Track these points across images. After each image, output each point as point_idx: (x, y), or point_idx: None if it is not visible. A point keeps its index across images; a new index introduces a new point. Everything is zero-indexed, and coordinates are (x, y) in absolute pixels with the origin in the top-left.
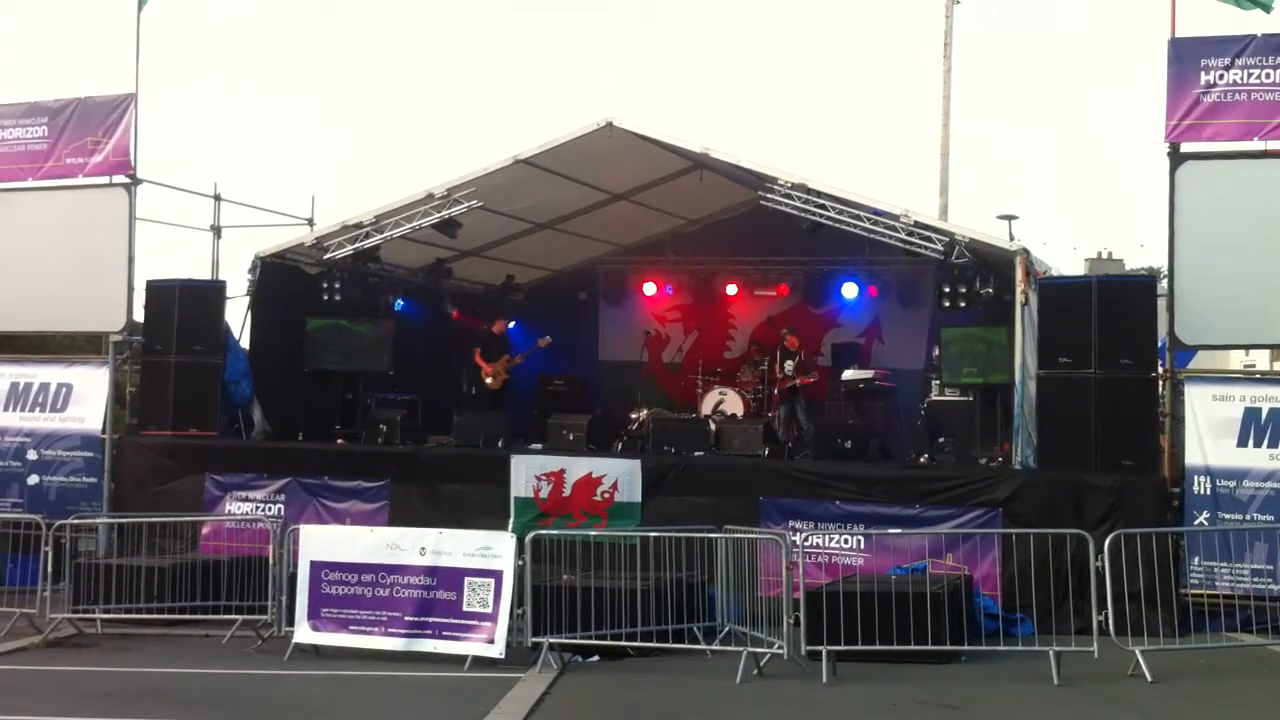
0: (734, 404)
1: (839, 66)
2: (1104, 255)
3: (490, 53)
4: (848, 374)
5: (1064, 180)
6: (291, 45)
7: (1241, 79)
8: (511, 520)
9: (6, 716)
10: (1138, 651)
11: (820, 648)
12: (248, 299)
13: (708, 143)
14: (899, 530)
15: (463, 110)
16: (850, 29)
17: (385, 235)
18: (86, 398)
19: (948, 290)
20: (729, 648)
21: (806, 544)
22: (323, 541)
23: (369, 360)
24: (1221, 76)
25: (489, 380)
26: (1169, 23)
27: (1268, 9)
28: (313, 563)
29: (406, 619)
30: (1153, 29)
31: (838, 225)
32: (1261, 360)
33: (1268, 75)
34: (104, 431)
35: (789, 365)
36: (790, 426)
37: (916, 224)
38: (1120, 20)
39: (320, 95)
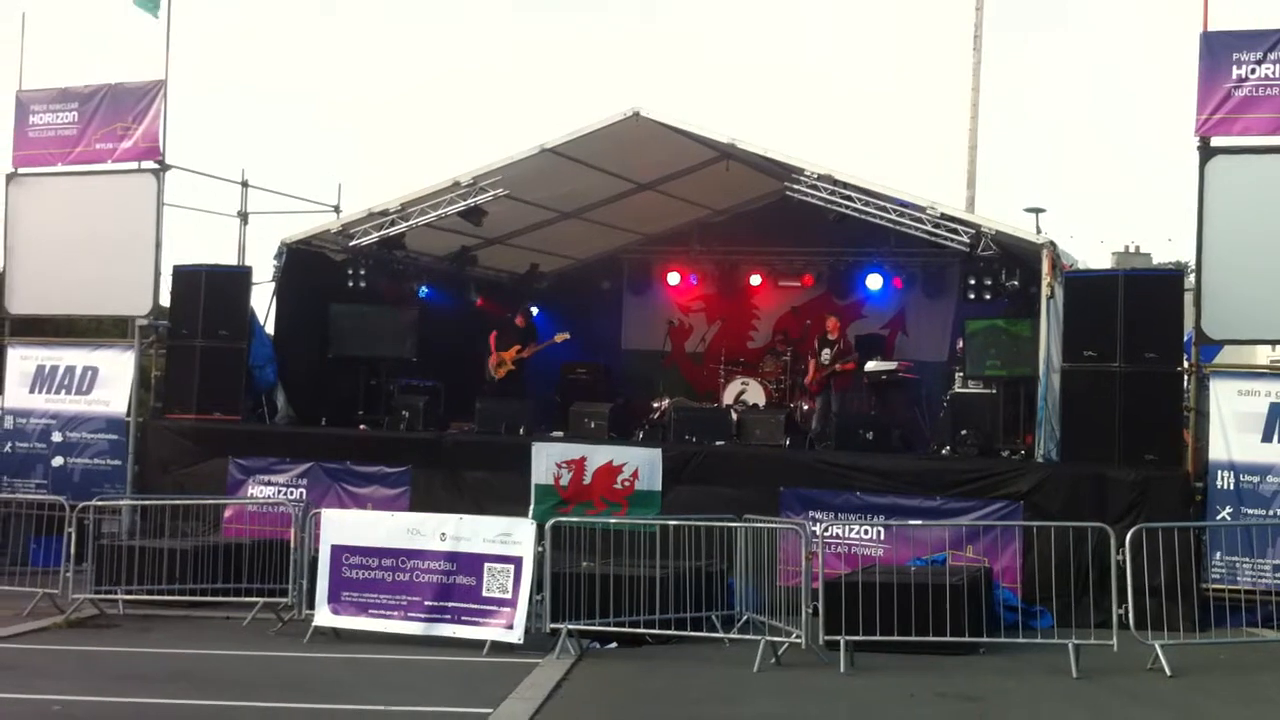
0: (756, 394)
1: (859, 64)
2: (1131, 249)
3: (491, 51)
4: (871, 365)
5: (1092, 174)
6: (319, 35)
7: (1273, 73)
8: (532, 507)
9: (29, 695)
10: (1157, 645)
11: (839, 638)
12: (273, 285)
13: (734, 133)
14: (919, 521)
15: (476, 106)
16: (869, 25)
17: (411, 223)
18: (112, 381)
19: (973, 282)
20: (747, 636)
21: (826, 534)
22: (344, 526)
23: (393, 347)
24: (1253, 71)
25: (493, 368)
26: (1201, 16)
27: None
28: (334, 546)
29: (426, 603)
30: (1184, 22)
31: (863, 216)
32: None
33: None
34: (128, 414)
35: (826, 354)
36: (826, 419)
37: (943, 216)
38: (1151, 12)
39: (347, 84)
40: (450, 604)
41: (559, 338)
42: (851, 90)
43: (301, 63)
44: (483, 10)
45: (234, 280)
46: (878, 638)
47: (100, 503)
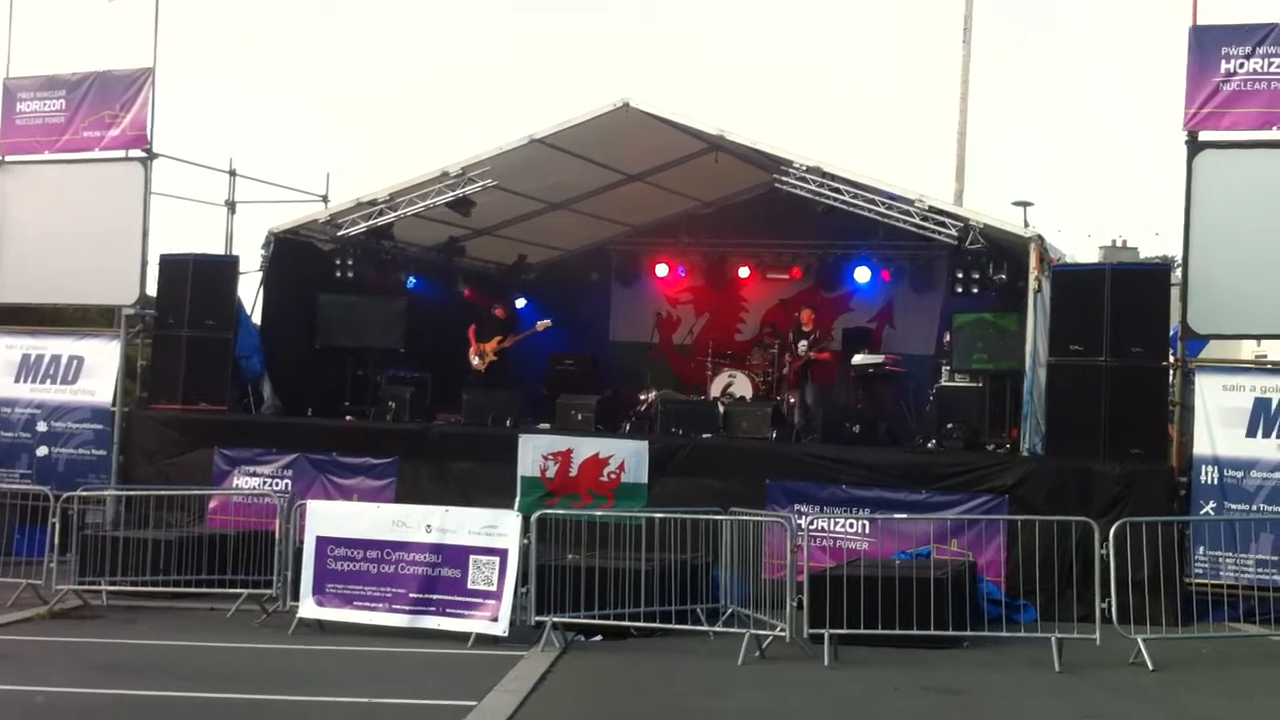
0: (743, 386)
1: (848, 59)
2: (1118, 243)
3: (491, 50)
4: (858, 358)
5: (1080, 167)
6: (308, 23)
7: (1262, 68)
8: (518, 499)
9: (12, 686)
10: (1140, 640)
11: (823, 631)
12: (260, 274)
13: (723, 125)
14: (905, 515)
15: (476, 106)
16: (859, 20)
17: (399, 213)
18: (97, 370)
19: (961, 276)
20: (732, 629)
21: (812, 527)
22: (329, 517)
23: (380, 337)
24: (1241, 65)
25: (475, 360)
26: (1190, 10)
27: None
28: (319, 538)
29: (411, 596)
30: (1173, 16)
31: (852, 209)
32: (1273, 350)
33: None
34: (114, 404)
35: (802, 345)
36: (806, 410)
37: (931, 209)
38: (1141, 6)
39: (346, 83)
40: (435, 596)
41: (540, 326)
42: (844, 83)
43: (295, 57)
44: (482, 10)
45: (221, 270)
46: (862, 631)
47: (85, 493)
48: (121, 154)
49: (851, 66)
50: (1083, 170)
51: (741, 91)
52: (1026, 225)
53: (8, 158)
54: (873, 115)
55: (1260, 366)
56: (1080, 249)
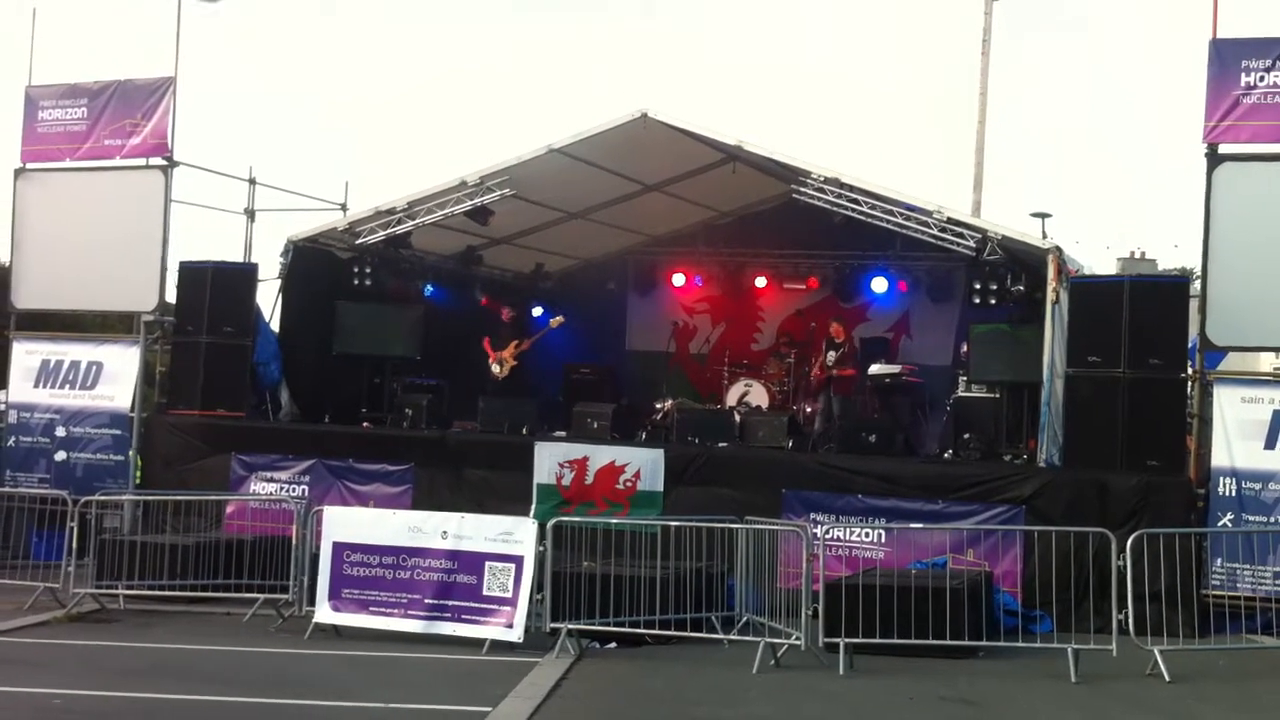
0: (759, 396)
1: (864, 65)
2: (1137, 255)
3: (491, 50)
4: (875, 368)
5: (1099, 179)
6: (319, 35)
7: None
8: (534, 506)
9: (29, 689)
10: (1156, 651)
11: (838, 640)
12: (279, 282)
13: (741, 135)
14: (921, 525)
15: (477, 105)
16: (875, 25)
17: (418, 222)
18: (116, 376)
19: (978, 287)
20: (747, 638)
21: (828, 537)
22: (346, 523)
23: (397, 345)
24: (1262, 78)
25: (494, 368)
26: (1210, 22)
27: None
28: (335, 544)
29: (427, 602)
30: (1193, 27)
31: (870, 220)
32: None
33: None
34: (132, 410)
35: (831, 355)
36: (828, 419)
37: (949, 220)
38: (1160, 18)
39: (347, 84)
40: (451, 602)
41: (554, 323)
42: (857, 92)
43: (302, 62)
44: (482, 10)
45: (240, 277)
46: (877, 640)
47: (102, 497)
48: (142, 162)
49: (860, 69)
50: (1101, 181)
51: (749, 92)
52: (1045, 237)
53: (29, 165)
54: (888, 122)
55: (1279, 379)
56: (1098, 261)
